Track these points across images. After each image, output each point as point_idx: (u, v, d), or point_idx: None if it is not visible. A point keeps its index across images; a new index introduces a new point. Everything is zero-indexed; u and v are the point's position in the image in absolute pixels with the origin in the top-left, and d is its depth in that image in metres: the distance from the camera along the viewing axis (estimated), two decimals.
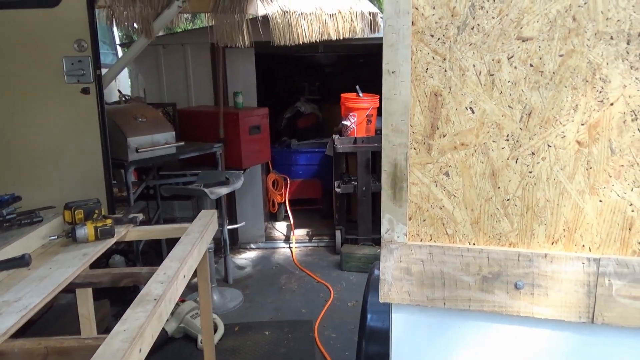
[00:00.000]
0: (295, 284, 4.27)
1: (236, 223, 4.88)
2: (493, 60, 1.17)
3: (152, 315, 1.26)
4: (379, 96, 4.86)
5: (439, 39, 1.19)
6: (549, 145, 1.17)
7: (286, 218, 5.67)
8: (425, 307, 1.30)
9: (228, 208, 4.91)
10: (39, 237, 1.83)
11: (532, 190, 1.20)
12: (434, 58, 1.20)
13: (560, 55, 1.14)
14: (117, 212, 3.08)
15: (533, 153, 1.18)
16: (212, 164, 4.18)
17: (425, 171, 1.24)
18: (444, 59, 1.19)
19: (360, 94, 4.78)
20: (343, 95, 4.84)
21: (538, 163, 1.18)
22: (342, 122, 4.89)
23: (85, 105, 2.98)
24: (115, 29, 5.70)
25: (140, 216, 2.11)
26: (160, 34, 5.92)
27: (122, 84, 5.57)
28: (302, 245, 5.17)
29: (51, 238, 1.84)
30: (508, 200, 1.21)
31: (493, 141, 1.19)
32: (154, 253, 4.47)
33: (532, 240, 1.22)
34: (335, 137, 4.86)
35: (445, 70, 1.20)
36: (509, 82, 1.17)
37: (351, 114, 4.72)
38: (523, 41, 1.16)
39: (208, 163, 4.26)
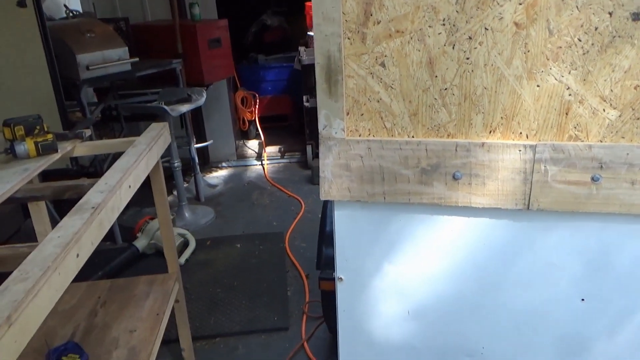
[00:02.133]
0: (267, 199, 4.31)
1: (205, 142, 4.81)
2: None
3: (90, 222, 1.24)
4: None
5: None
6: (486, 29, 1.11)
7: (257, 136, 5.61)
8: (366, 202, 1.30)
9: (196, 127, 4.81)
10: None
11: (470, 77, 1.16)
12: None
13: None
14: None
15: (470, 37, 1.13)
16: (173, 82, 4.03)
17: (360, 62, 1.18)
18: None
19: None
20: (308, 3, 4.60)
21: (475, 48, 1.13)
22: (308, 32, 4.69)
23: (22, 20, 2.78)
24: None
25: (88, 132, 2.04)
26: None
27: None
28: (274, 162, 5.16)
29: None
30: (446, 89, 1.17)
31: (429, 26, 1.13)
32: None
33: (470, 130, 1.20)
34: (301, 49, 4.69)
35: None
36: None
37: None
38: None
39: (169, 81, 4.10)
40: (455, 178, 1.23)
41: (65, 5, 4.05)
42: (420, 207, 1.29)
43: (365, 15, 1.14)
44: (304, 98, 4.81)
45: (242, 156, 5.32)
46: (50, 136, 1.80)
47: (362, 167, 1.25)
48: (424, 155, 1.22)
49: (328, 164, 1.26)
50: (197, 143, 4.49)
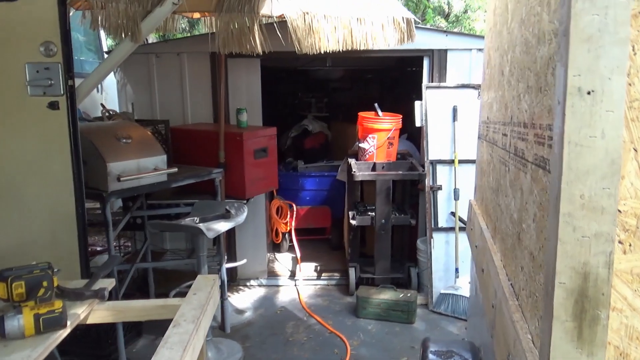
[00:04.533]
0: (303, 334, 3.64)
1: (235, 259, 4.26)
2: None
3: None
4: (401, 116, 4.29)
5: None
6: None
7: (291, 249, 5.04)
8: None
9: (227, 241, 4.29)
10: None
11: None
12: None
13: None
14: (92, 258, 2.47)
15: None
16: (210, 192, 3.57)
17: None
18: None
19: (380, 113, 4.21)
20: (361, 114, 4.26)
21: None
22: (359, 144, 4.30)
23: (53, 123, 2.38)
24: (102, 34, 5.12)
25: (110, 286, 1.50)
26: (154, 41, 5.37)
27: (109, 98, 4.98)
28: (310, 283, 4.54)
29: None
30: None
31: None
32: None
33: None
34: (352, 161, 4.27)
35: None
36: None
37: (370, 135, 4.14)
38: None
39: (205, 190, 3.65)
40: None
41: (102, 105, 3.74)
42: None
43: None
44: (350, 214, 4.30)
45: (273, 273, 4.72)
46: (58, 304, 1.26)
47: None
48: None
49: None
50: (227, 261, 3.94)
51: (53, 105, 2.36)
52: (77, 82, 2.51)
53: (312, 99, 6.48)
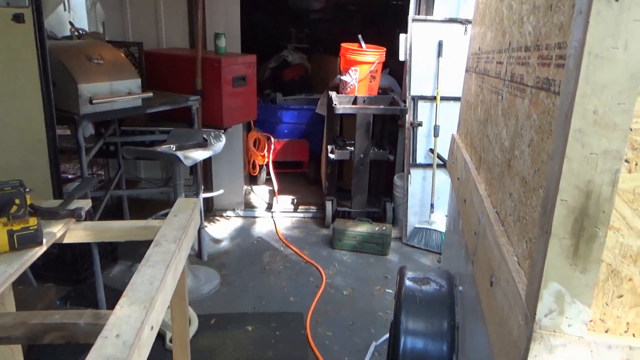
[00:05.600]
0: (280, 264, 3.70)
1: (212, 189, 4.23)
2: None
3: None
4: (385, 49, 4.18)
5: None
6: None
7: (268, 182, 5.03)
8: None
9: (203, 171, 4.24)
10: None
11: None
12: None
13: None
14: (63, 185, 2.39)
15: None
16: (187, 120, 3.47)
17: None
18: None
19: (364, 45, 4.09)
20: (344, 44, 4.13)
21: None
22: (340, 77, 4.20)
23: (18, 38, 2.22)
24: None
25: (87, 206, 1.46)
26: None
27: (76, 16, 4.67)
28: (287, 215, 4.58)
29: None
30: None
31: None
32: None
33: None
34: (333, 94, 4.19)
35: None
36: None
37: (352, 68, 4.04)
38: None
39: (181, 118, 3.54)
40: None
41: (70, 23, 3.51)
42: None
43: None
44: (328, 148, 4.27)
45: (250, 205, 4.73)
46: (33, 222, 1.21)
47: None
48: None
49: None
50: (204, 191, 3.91)
51: (18, 18, 2.19)
52: None
53: (292, 29, 6.25)
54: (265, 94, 5.51)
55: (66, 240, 1.38)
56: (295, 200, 4.76)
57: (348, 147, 4.22)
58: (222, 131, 3.47)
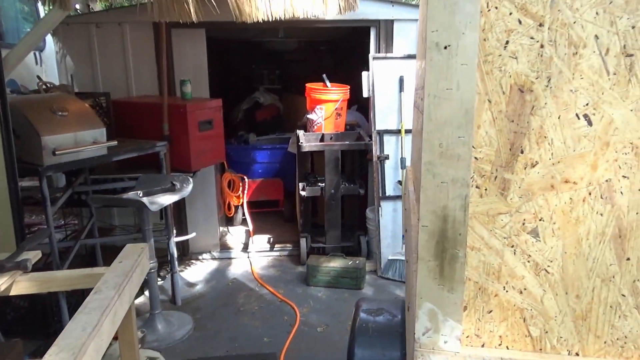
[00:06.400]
0: (255, 304, 3.70)
1: (186, 233, 4.24)
2: (634, 27, 0.64)
3: None
4: (349, 87, 4.32)
5: None
6: None
7: (244, 222, 5.06)
8: None
9: (177, 215, 4.26)
10: None
11: None
12: (520, 22, 0.66)
13: None
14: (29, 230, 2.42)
15: None
16: (156, 166, 3.53)
17: (495, 227, 0.70)
18: (540, 25, 0.65)
19: (329, 84, 4.22)
20: (308, 85, 4.27)
21: None
22: (307, 115, 4.32)
23: None
24: (40, 5, 4.87)
25: (35, 257, 1.49)
26: (96, 9, 5.16)
27: (49, 69, 4.78)
28: (263, 255, 4.59)
29: None
30: None
31: (624, 176, 0.66)
32: None
33: None
34: (300, 132, 4.29)
35: (542, 46, 0.66)
36: None
37: (318, 106, 4.16)
38: None
39: (151, 164, 3.60)
40: None
41: (38, 77, 3.60)
42: None
43: (512, 152, 0.67)
44: (300, 185, 4.34)
45: (225, 246, 4.74)
46: None
47: None
48: None
49: None
50: (177, 235, 3.92)
51: None
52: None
53: (264, 70, 6.42)
54: (239, 135, 5.62)
55: (13, 293, 1.41)
56: (271, 239, 4.79)
57: (319, 184, 4.30)
58: (191, 175, 3.53)
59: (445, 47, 0.65)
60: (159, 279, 3.98)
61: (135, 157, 3.36)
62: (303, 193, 4.23)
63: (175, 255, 3.68)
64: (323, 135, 4.19)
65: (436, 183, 0.67)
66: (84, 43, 4.15)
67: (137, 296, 4.08)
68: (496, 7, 0.65)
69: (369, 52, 4.28)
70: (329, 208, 4.22)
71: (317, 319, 3.48)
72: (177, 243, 4.02)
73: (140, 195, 3.05)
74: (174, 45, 4.13)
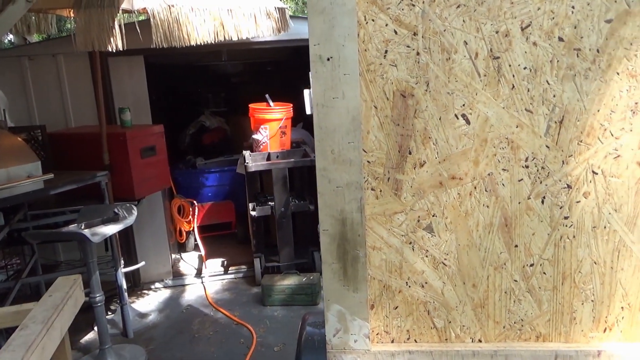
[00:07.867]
0: (210, 329, 3.63)
1: (136, 262, 4.13)
2: (498, 32, 0.70)
3: None
4: (292, 105, 4.37)
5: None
6: (594, 172, 0.71)
7: (197, 247, 4.98)
8: None
9: (125, 245, 4.15)
10: None
11: (570, 247, 0.73)
12: (396, 32, 0.70)
13: (607, 22, 0.69)
14: None
15: (569, 186, 0.71)
16: (98, 197, 3.44)
17: (392, 226, 0.73)
18: (414, 34, 0.70)
19: (272, 104, 4.26)
20: (251, 106, 4.29)
21: (578, 202, 0.72)
22: (253, 136, 4.33)
23: None
24: None
25: None
26: (31, 41, 5.02)
27: None
28: (217, 279, 4.52)
29: None
30: (532, 265, 0.74)
31: (504, 169, 0.71)
32: None
33: (573, 328, 0.76)
34: (246, 153, 4.30)
35: (418, 54, 0.71)
36: (525, 68, 0.70)
37: (262, 126, 4.18)
38: None
39: (93, 195, 3.50)
40: None
41: None
42: None
43: (401, 153, 0.71)
44: (250, 206, 4.33)
45: (179, 273, 4.64)
46: None
47: None
48: None
49: None
50: (125, 266, 3.82)
51: None
52: None
53: (208, 94, 6.41)
54: (186, 160, 5.55)
55: None
56: (225, 262, 4.73)
57: (269, 203, 4.29)
58: (136, 203, 3.46)
59: (328, 59, 0.69)
60: (109, 313, 3.85)
61: (77, 189, 3.27)
62: (253, 213, 4.21)
63: (124, 286, 3.58)
64: (269, 154, 4.20)
65: (332, 188, 0.70)
66: (16, 76, 4.03)
67: (86, 332, 3.94)
68: (373, 20, 0.69)
69: (309, 71, 4.34)
70: (281, 226, 4.22)
71: (274, 338, 3.45)
72: (128, 273, 3.91)
73: (82, 227, 2.96)
74: (111, 73, 4.07)
